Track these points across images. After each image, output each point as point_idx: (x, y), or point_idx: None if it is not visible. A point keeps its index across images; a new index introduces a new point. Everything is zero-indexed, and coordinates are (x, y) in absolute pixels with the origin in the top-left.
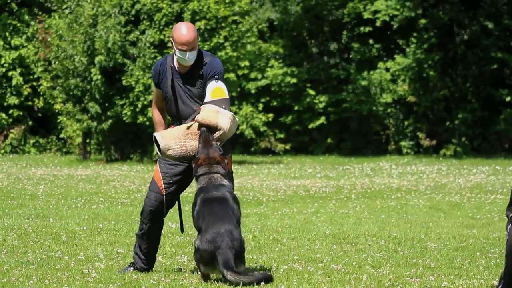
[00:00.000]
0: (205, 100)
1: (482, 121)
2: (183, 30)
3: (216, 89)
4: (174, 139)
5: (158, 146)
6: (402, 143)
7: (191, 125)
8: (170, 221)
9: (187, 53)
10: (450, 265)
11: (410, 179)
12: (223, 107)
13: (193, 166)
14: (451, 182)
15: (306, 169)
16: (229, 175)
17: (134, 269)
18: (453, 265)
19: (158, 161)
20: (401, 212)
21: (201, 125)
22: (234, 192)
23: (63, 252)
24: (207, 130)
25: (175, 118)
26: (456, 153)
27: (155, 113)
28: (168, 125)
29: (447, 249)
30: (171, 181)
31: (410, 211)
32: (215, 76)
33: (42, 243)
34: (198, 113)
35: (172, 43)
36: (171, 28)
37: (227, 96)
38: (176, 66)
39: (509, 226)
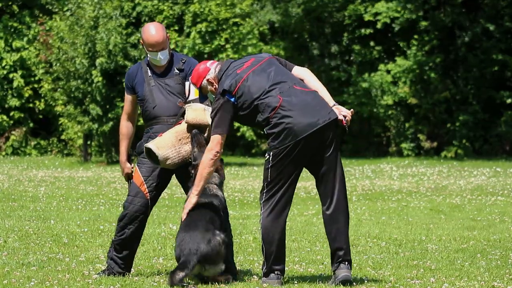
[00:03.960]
0: (189, 98)
1: (483, 123)
2: (152, 31)
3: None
4: (170, 147)
5: (156, 157)
6: (403, 145)
7: (179, 129)
8: (171, 223)
9: (158, 53)
10: (450, 267)
11: (411, 181)
12: (207, 103)
13: (192, 172)
14: (452, 184)
15: (306, 170)
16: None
17: (109, 274)
18: (454, 266)
19: (137, 164)
20: (402, 214)
21: (190, 126)
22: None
23: (64, 254)
24: (198, 131)
25: (156, 118)
26: (457, 155)
27: (123, 124)
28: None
29: (448, 251)
30: (154, 184)
31: (411, 213)
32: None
33: (43, 245)
34: (183, 110)
35: (142, 45)
36: (173, 30)
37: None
38: (152, 67)
39: None
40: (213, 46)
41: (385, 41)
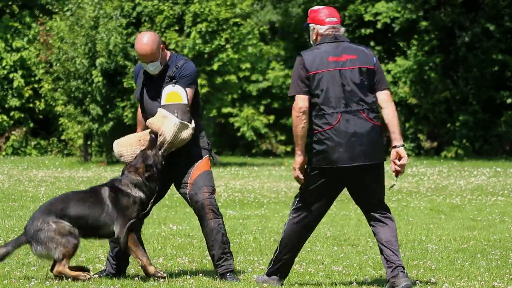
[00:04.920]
0: (161, 104)
1: (483, 123)
2: (142, 42)
3: (171, 93)
4: (127, 146)
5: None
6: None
7: (146, 131)
8: (172, 223)
9: (147, 64)
10: (451, 267)
11: (411, 181)
12: (176, 112)
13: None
14: (452, 184)
15: None
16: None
17: (107, 275)
18: (454, 266)
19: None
20: (402, 214)
21: (151, 131)
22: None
23: None
24: (154, 137)
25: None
26: (457, 155)
27: (139, 112)
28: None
29: (448, 251)
30: None
31: (411, 213)
32: (174, 80)
33: None
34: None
35: None
36: (173, 30)
37: (184, 101)
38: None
39: None
40: (213, 46)
41: (385, 41)
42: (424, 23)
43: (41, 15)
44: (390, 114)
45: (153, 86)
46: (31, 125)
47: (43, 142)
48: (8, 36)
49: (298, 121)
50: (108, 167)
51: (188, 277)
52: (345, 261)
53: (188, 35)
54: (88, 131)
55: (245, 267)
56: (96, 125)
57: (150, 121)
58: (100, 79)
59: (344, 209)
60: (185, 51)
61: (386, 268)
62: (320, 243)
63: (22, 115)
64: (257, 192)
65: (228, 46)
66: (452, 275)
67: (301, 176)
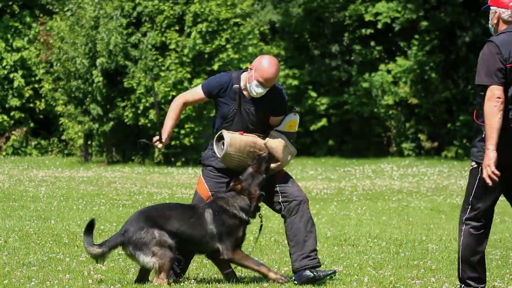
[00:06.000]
0: (279, 128)
1: None
2: (271, 68)
3: (292, 121)
4: (238, 150)
5: (221, 146)
6: (404, 145)
7: (258, 141)
8: None
9: (263, 88)
10: (451, 267)
11: (411, 181)
12: (291, 140)
13: (232, 181)
14: (453, 184)
15: (308, 171)
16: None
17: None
18: (454, 266)
19: (203, 176)
20: (402, 214)
21: (266, 148)
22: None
23: (64, 254)
24: (268, 158)
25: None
26: (458, 155)
27: (178, 104)
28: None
29: (448, 250)
30: None
31: (411, 213)
32: (295, 109)
33: (44, 245)
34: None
35: (252, 69)
36: (173, 30)
37: (295, 130)
38: (243, 88)
39: None
40: (213, 46)
41: (386, 41)
42: (424, 23)
43: (41, 15)
44: None
45: (249, 108)
46: (32, 125)
47: (44, 142)
48: (9, 36)
49: (495, 111)
50: (109, 167)
51: (189, 277)
52: (346, 261)
53: (189, 35)
54: (88, 131)
55: None
56: (96, 125)
57: (272, 145)
58: (101, 79)
59: (344, 209)
60: (186, 51)
61: None
62: (320, 243)
63: (23, 115)
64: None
65: (228, 46)
66: (452, 275)
67: (497, 173)
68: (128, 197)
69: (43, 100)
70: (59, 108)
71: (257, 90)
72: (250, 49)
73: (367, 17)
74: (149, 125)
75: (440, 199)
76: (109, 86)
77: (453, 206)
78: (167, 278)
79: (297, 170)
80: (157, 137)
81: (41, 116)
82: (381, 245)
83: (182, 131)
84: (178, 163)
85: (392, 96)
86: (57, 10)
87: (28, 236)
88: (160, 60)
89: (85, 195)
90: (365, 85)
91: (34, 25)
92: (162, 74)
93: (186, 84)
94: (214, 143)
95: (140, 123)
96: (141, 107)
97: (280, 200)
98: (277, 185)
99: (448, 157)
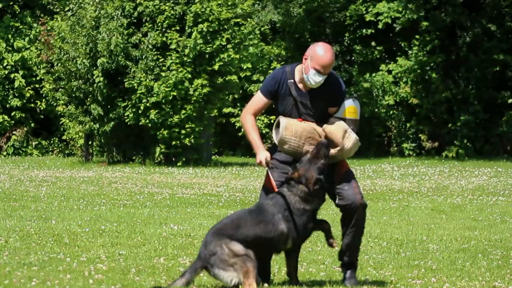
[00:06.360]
0: (337, 115)
1: (484, 123)
2: (327, 54)
3: (351, 107)
4: (295, 136)
5: (277, 133)
6: (404, 145)
7: (316, 128)
8: (173, 223)
9: (321, 75)
10: (451, 267)
11: (412, 181)
12: (352, 127)
13: (288, 173)
14: (453, 184)
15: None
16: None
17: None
18: (455, 266)
19: (269, 169)
20: (403, 214)
21: (325, 135)
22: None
23: (65, 254)
24: (327, 144)
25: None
26: (458, 155)
27: (250, 119)
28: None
29: (449, 251)
30: None
31: (412, 213)
32: (354, 95)
33: (44, 245)
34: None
35: (307, 59)
36: (174, 30)
37: (358, 117)
38: (298, 82)
39: None
40: (214, 46)
41: (386, 41)
42: (425, 23)
43: (42, 15)
44: None
45: (306, 102)
46: (32, 125)
47: (44, 142)
48: (9, 36)
49: None
50: (109, 167)
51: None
52: None
53: (189, 35)
54: (89, 131)
55: None
56: (97, 125)
57: (331, 130)
58: (101, 79)
59: None
60: (186, 51)
61: None
62: (321, 243)
63: (23, 115)
64: (258, 192)
65: (229, 46)
66: (453, 275)
67: None
68: (129, 197)
69: (43, 100)
70: (60, 108)
71: (316, 79)
72: (251, 49)
73: (368, 17)
74: (149, 125)
75: (441, 199)
76: (110, 86)
77: (454, 206)
78: (255, 281)
79: None
80: (260, 160)
81: (42, 116)
82: (381, 245)
83: (183, 131)
84: (179, 163)
85: (392, 96)
86: (58, 10)
87: (28, 236)
88: (161, 60)
89: (86, 195)
90: (366, 85)
91: (35, 25)
92: (163, 74)
93: (186, 84)
94: (273, 130)
95: (140, 123)
96: (141, 107)
97: (336, 202)
98: (336, 186)
99: (448, 157)
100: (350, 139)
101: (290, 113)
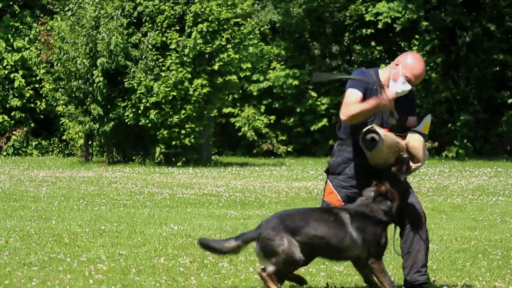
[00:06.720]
0: (416, 129)
1: (484, 123)
2: (421, 65)
3: (428, 123)
4: (388, 148)
5: (370, 144)
6: None
7: (401, 142)
8: (173, 223)
9: (410, 86)
10: (452, 267)
11: (412, 181)
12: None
13: (372, 182)
14: (453, 184)
15: (308, 171)
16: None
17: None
18: (455, 266)
19: (333, 186)
20: None
21: (407, 150)
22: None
23: (65, 254)
24: (408, 159)
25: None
26: (458, 155)
27: (353, 106)
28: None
29: (449, 250)
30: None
31: None
32: (430, 114)
33: (44, 245)
34: (407, 131)
35: (398, 65)
36: (174, 30)
37: (427, 132)
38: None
39: None
40: (214, 46)
41: (386, 41)
42: (425, 23)
43: (42, 15)
44: None
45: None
46: (32, 125)
47: (44, 142)
48: (9, 36)
49: None
50: (109, 167)
51: (190, 277)
52: (346, 261)
53: (189, 35)
54: (89, 131)
55: (247, 267)
56: (97, 125)
57: (415, 145)
58: (101, 79)
59: None
60: (186, 51)
61: None
62: None
63: (23, 115)
64: (258, 192)
65: (229, 46)
66: (453, 275)
67: None
68: (128, 197)
69: (43, 100)
70: (60, 108)
71: (404, 88)
72: (251, 49)
73: (368, 17)
74: (149, 125)
75: (441, 199)
76: (110, 86)
77: (454, 206)
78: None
79: (298, 170)
80: (386, 97)
81: (42, 116)
82: None
83: (183, 131)
84: (179, 163)
85: None
86: (57, 10)
87: (29, 236)
88: (161, 60)
89: (86, 195)
90: None
91: (34, 25)
92: (163, 74)
93: (186, 84)
94: (361, 139)
95: (140, 123)
96: (141, 107)
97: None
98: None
99: (448, 157)
100: (426, 155)
101: (373, 117)
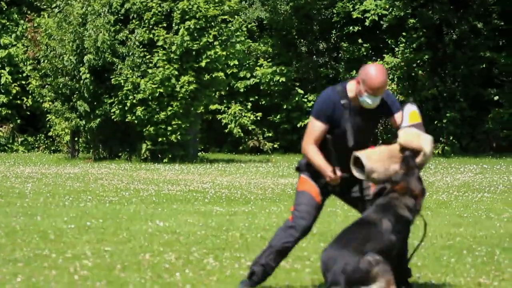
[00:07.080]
0: (403, 124)
1: (470, 120)
2: (380, 76)
3: (413, 113)
4: (378, 161)
5: (361, 167)
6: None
7: (392, 147)
8: (158, 219)
9: (375, 97)
10: (437, 263)
11: None
12: (421, 130)
13: (387, 187)
14: (439, 180)
15: (294, 167)
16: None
17: (257, 283)
18: (440, 263)
19: (304, 175)
20: None
21: (403, 149)
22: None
23: (50, 250)
24: (412, 154)
25: (344, 152)
26: (444, 152)
27: (314, 150)
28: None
29: (434, 247)
30: (323, 200)
31: None
32: (411, 99)
33: (30, 241)
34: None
35: (359, 83)
36: (161, 27)
37: (420, 120)
38: (351, 101)
39: None
40: (201, 43)
41: (373, 38)
42: (412, 21)
43: (29, 11)
44: None
45: (362, 118)
46: (18, 121)
47: (30, 139)
48: None
49: None
50: (95, 164)
51: (175, 273)
52: None
53: (177, 32)
54: (75, 127)
55: (232, 263)
56: (83, 122)
57: (406, 139)
58: (88, 75)
59: (330, 206)
60: (173, 48)
61: None
62: (306, 239)
63: (9, 112)
64: (244, 188)
65: (216, 43)
66: (438, 271)
67: None
68: (115, 194)
69: (30, 96)
70: (46, 105)
71: (371, 102)
72: (238, 46)
73: (355, 15)
74: (136, 121)
75: (427, 195)
76: (97, 82)
77: (439, 202)
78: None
79: (284, 167)
80: (330, 177)
81: (28, 113)
82: None
83: (169, 128)
84: (165, 160)
85: None
86: (44, 7)
87: (14, 233)
88: (148, 57)
89: (72, 191)
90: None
91: (21, 21)
92: (150, 71)
93: (173, 81)
94: (353, 167)
95: (127, 120)
96: (128, 104)
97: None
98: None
99: (434, 153)
100: (427, 141)
101: (345, 131)
